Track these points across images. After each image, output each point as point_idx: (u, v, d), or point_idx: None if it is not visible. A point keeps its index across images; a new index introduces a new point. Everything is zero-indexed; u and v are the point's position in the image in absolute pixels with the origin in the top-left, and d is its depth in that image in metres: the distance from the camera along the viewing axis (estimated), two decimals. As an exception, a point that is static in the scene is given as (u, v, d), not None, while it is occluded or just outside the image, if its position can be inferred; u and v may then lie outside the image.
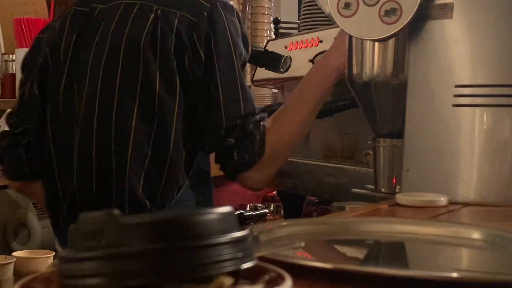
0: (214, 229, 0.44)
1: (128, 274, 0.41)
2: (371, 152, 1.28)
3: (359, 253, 0.73)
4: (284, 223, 0.75)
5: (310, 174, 1.76)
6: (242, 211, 2.09)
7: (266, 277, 0.47)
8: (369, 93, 1.16)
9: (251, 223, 2.06)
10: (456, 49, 1.08)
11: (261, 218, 2.12)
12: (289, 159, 1.90)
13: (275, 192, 2.18)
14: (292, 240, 0.65)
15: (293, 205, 1.95)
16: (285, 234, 0.73)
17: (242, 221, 2.04)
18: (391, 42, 1.12)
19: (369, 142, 1.22)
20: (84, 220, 0.43)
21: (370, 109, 1.18)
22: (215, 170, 2.08)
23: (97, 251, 0.42)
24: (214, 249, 0.43)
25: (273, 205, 2.20)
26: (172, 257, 0.41)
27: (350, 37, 1.16)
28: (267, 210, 2.15)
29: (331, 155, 1.73)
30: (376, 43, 1.12)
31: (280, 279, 0.46)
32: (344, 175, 1.59)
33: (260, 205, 2.19)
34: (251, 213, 2.09)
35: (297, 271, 0.52)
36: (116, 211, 0.43)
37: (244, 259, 0.44)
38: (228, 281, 0.45)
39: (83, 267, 0.42)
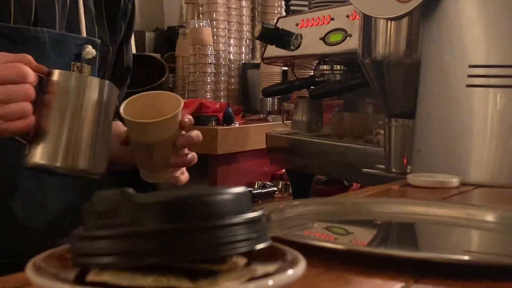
0: (228, 210, 0.43)
1: (141, 253, 0.41)
2: (381, 131, 1.28)
3: (370, 234, 0.73)
4: (295, 203, 0.75)
5: (319, 153, 1.75)
6: (251, 189, 2.10)
7: (280, 258, 0.47)
8: (381, 72, 1.15)
9: (259, 201, 2.07)
10: (471, 28, 1.07)
11: (270, 196, 2.12)
12: (297, 137, 1.90)
13: (283, 170, 2.18)
14: (304, 220, 0.65)
15: (301, 184, 1.96)
16: (296, 213, 0.73)
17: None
18: (405, 21, 1.11)
19: (380, 122, 1.22)
20: (99, 198, 0.43)
21: (382, 89, 1.17)
22: (223, 147, 2.09)
23: (112, 230, 0.42)
24: (228, 229, 0.42)
25: (282, 183, 2.20)
26: (186, 237, 0.41)
27: (364, 15, 1.15)
28: (275, 188, 2.16)
29: (341, 133, 1.72)
30: (390, 22, 1.11)
31: (294, 260, 0.46)
32: (354, 154, 1.59)
33: (268, 183, 2.19)
34: (260, 191, 2.09)
35: (310, 252, 0.52)
36: (130, 190, 0.42)
37: (258, 240, 0.44)
38: (241, 261, 0.45)
39: (97, 245, 0.42)
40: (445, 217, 0.74)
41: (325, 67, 1.84)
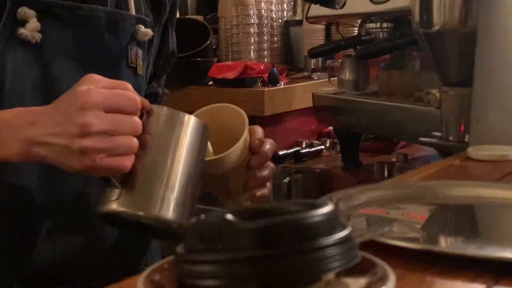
0: (321, 230, 0.45)
1: (243, 278, 0.43)
2: (432, 91, 1.27)
3: (445, 225, 0.74)
4: (361, 189, 0.77)
5: (366, 112, 1.76)
6: (298, 148, 2.11)
7: (368, 268, 0.49)
8: (437, 41, 1.14)
9: (308, 160, 2.09)
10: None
11: (318, 154, 2.13)
12: (344, 97, 1.90)
13: (330, 128, 2.19)
14: (385, 224, 0.66)
15: (349, 142, 1.96)
16: (364, 200, 0.75)
17: (299, 159, 2.06)
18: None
19: (431, 91, 1.21)
20: (201, 223, 0.46)
21: (437, 58, 1.16)
22: (270, 109, 2.10)
23: (214, 254, 0.44)
24: (324, 250, 0.45)
25: (329, 141, 2.21)
26: (285, 261, 0.43)
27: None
28: (323, 147, 2.17)
29: (389, 92, 1.71)
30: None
31: (383, 275, 0.48)
32: (403, 114, 1.58)
33: (315, 141, 2.20)
34: (307, 150, 2.10)
35: (386, 250, 0.54)
36: (231, 216, 0.45)
37: (350, 258, 0.46)
38: (331, 276, 0.47)
39: (201, 269, 0.45)
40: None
41: (371, 25, 1.82)
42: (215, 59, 2.35)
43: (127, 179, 0.70)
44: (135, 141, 0.68)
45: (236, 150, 0.81)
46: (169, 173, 0.71)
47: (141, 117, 0.71)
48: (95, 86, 0.68)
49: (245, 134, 0.82)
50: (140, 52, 0.93)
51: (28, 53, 0.82)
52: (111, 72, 0.86)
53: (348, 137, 1.96)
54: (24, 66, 0.82)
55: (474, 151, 1.00)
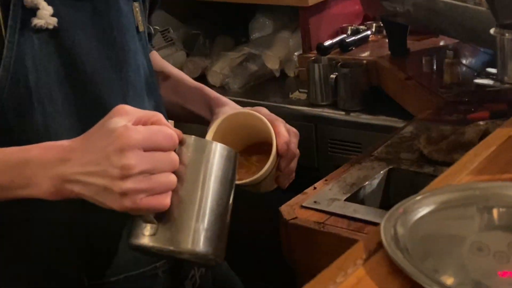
0: None
1: None
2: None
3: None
4: (425, 195, 0.69)
5: (414, 2, 1.70)
6: (344, 36, 2.08)
7: None
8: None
9: (353, 48, 2.06)
10: None
11: (364, 41, 2.10)
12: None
13: (376, 11, 2.13)
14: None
15: (396, 30, 1.92)
16: (428, 210, 0.66)
17: (345, 48, 2.04)
18: None
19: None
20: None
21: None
22: (314, -3, 2.05)
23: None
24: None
25: (375, 25, 2.16)
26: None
27: None
28: (369, 32, 2.13)
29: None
30: None
31: None
32: (451, 9, 1.54)
33: (361, 27, 2.16)
34: (353, 38, 2.07)
35: None
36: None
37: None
38: None
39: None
40: None
41: None
42: None
43: (163, 214, 0.69)
44: (173, 177, 0.67)
45: (267, 169, 0.83)
46: (204, 205, 0.71)
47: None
48: (129, 120, 0.66)
49: (274, 151, 0.82)
50: (137, 7, 0.89)
51: (45, 43, 0.78)
52: (130, 40, 0.86)
53: (395, 25, 1.91)
54: (44, 57, 0.77)
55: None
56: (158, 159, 0.66)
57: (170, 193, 0.67)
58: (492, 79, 1.18)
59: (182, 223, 0.69)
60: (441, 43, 2.02)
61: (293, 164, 0.88)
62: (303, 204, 1.11)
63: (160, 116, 0.69)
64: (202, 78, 2.30)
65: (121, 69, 0.84)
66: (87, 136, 0.68)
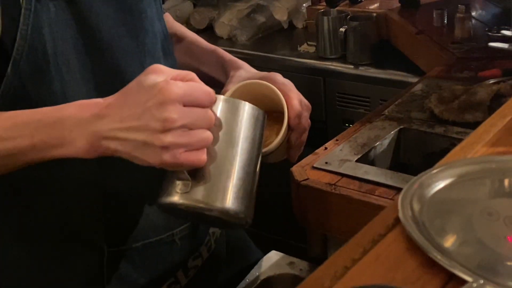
0: None
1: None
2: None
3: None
4: (436, 170, 0.68)
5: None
6: None
7: None
8: None
9: (363, 0, 2.03)
10: None
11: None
12: None
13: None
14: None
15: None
16: (444, 184, 0.66)
17: (354, 0, 2.01)
18: None
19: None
20: None
21: None
22: None
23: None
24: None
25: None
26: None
27: None
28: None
29: None
30: None
31: None
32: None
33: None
34: (363, -11, 2.04)
35: None
36: None
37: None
38: None
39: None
40: None
41: None
42: None
43: (196, 172, 0.69)
44: (209, 134, 0.68)
45: (278, 141, 0.82)
46: (236, 163, 0.71)
47: None
48: (167, 77, 0.66)
49: (285, 121, 0.82)
50: None
51: (61, 10, 0.77)
52: (146, 6, 0.85)
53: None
54: (60, 25, 0.77)
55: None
56: (197, 115, 0.66)
57: (205, 150, 0.67)
58: (506, 41, 1.16)
59: (215, 181, 0.70)
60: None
61: (303, 137, 0.87)
62: (314, 165, 1.12)
63: (194, 74, 0.69)
64: (209, 29, 2.28)
65: (138, 36, 0.83)
66: (124, 93, 0.68)
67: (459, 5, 1.63)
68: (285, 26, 2.18)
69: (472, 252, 0.59)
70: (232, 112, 0.72)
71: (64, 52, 0.77)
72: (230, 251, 1.05)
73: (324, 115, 1.92)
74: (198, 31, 2.28)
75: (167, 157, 0.65)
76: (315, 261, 1.09)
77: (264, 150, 0.80)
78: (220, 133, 0.71)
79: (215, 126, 0.70)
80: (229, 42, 2.16)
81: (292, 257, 1.10)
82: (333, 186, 1.06)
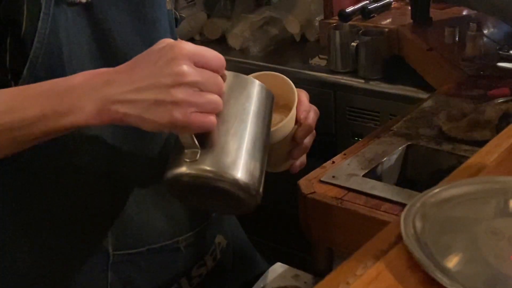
0: None
1: None
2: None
3: None
4: (439, 189, 0.69)
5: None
6: (366, 2, 2.06)
7: None
8: None
9: (375, 15, 2.05)
10: None
11: (386, 8, 2.09)
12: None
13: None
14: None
15: (419, 1, 1.90)
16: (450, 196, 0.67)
17: (366, 15, 2.02)
18: None
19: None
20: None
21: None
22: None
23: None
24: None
25: (398, -9, 2.14)
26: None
27: None
28: (391, -1, 2.11)
29: None
30: None
31: None
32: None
33: (384, -8, 2.13)
34: (375, 4, 2.05)
35: None
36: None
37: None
38: None
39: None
40: None
41: None
42: None
43: (205, 140, 0.67)
44: (219, 99, 0.67)
45: (287, 124, 0.81)
46: (246, 136, 0.70)
47: None
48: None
49: (293, 111, 0.82)
50: None
51: (78, 16, 0.78)
52: (161, 16, 0.86)
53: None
54: (76, 31, 0.78)
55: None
56: (208, 76, 0.66)
57: (214, 116, 0.67)
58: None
59: (225, 149, 0.68)
60: (464, 13, 2.00)
61: (308, 140, 0.87)
62: (322, 179, 1.13)
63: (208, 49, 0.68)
64: (222, 40, 2.30)
65: (152, 45, 0.85)
66: (133, 60, 0.68)
67: (471, 23, 1.63)
68: (297, 39, 2.20)
69: (475, 271, 0.59)
70: (243, 86, 0.72)
71: (79, 57, 0.79)
72: (236, 262, 1.06)
73: (334, 128, 1.93)
74: (211, 42, 2.30)
75: (177, 114, 0.64)
76: (320, 274, 1.09)
77: (272, 129, 0.78)
78: (230, 103, 0.70)
79: (225, 94, 0.69)
80: (241, 53, 2.18)
81: (297, 270, 1.11)
82: (340, 200, 1.07)
